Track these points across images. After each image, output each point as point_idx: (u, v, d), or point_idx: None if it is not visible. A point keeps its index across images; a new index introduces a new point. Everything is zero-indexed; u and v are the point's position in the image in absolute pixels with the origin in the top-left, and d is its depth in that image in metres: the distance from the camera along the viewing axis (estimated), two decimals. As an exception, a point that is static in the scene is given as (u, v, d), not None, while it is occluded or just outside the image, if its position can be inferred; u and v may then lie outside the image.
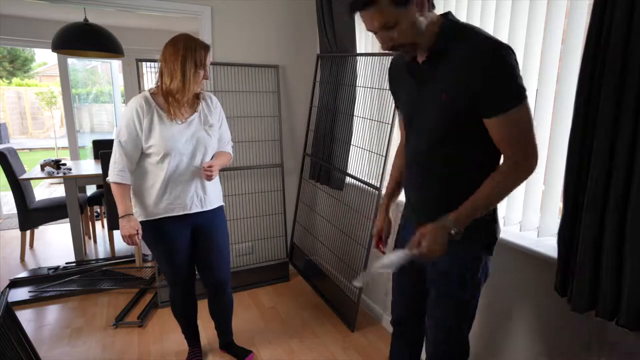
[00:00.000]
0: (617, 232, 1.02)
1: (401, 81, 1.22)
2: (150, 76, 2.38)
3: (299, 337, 2.23)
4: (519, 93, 0.97)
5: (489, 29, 1.58)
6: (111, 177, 1.65)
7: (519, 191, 1.51)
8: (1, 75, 12.06)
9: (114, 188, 1.68)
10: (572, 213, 1.12)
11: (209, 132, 1.71)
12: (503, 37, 1.51)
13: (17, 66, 12.37)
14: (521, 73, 0.98)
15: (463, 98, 1.00)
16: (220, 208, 1.84)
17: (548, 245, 1.36)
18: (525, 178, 1.05)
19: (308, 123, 2.88)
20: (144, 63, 2.37)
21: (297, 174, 2.99)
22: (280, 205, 2.92)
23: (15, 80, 12.34)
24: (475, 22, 1.63)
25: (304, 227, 2.99)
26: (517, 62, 0.97)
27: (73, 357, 2.04)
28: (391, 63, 1.30)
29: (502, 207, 1.59)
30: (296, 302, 2.60)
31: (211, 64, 2.55)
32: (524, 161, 1.01)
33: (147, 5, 2.44)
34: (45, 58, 13.01)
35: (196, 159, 1.68)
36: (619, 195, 1.00)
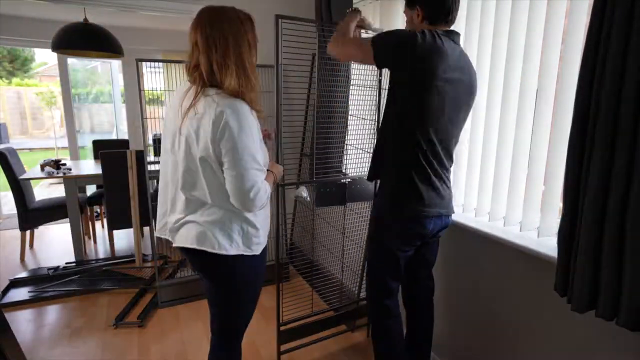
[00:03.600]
0: (617, 232, 1.02)
1: None
2: (150, 76, 2.38)
3: (299, 337, 2.22)
4: (378, 35, 1.36)
5: (489, 29, 1.59)
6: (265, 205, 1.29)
7: (519, 191, 1.51)
8: (1, 75, 12.06)
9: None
10: (572, 213, 1.12)
11: None
12: (503, 37, 1.51)
13: (17, 66, 12.37)
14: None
15: None
16: None
17: (548, 245, 1.36)
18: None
19: (305, 123, 2.88)
20: (144, 63, 2.37)
21: (296, 173, 2.99)
22: (280, 205, 2.92)
23: (15, 80, 12.33)
24: (476, 22, 1.64)
25: (303, 227, 3.00)
26: (406, 35, 1.29)
27: (73, 357, 2.04)
28: None
29: (502, 207, 1.59)
30: (296, 302, 2.59)
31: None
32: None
33: (147, 5, 2.44)
34: (45, 58, 13.00)
35: None
36: (618, 195, 1.00)
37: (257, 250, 1.31)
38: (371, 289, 1.59)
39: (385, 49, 1.33)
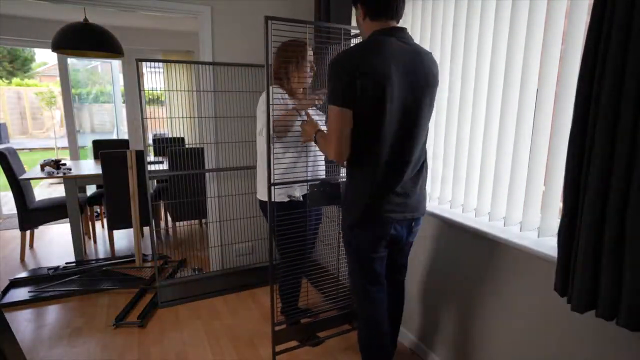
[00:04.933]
0: (616, 232, 1.02)
1: None
2: (150, 76, 2.38)
3: (299, 337, 2.22)
4: (328, 96, 1.36)
5: (489, 29, 1.58)
6: None
7: (519, 191, 1.51)
8: (1, 75, 12.06)
9: None
10: (572, 213, 1.12)
11: None
12: (503, 37, 1.51)
13: (17, 66, 12.38)
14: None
15: None
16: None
17: (548, 245, 1.36)
18: (326, 154, 1.45)
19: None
20: (144, 63, 2.37)
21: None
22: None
23: (15, 80, 12.34)
24: (475, 22, 1.64)
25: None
26: (334, 74, 1.32)
27: (73, 357, 2.04)
28: None
29: (502, 207, 1.59)
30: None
31: (211, 64, 2.56)
32: (325, 142, 1.45)
33: (147, 5, 2.44)
34: (45, 58, 13.01)
35: None
36: (618, 195, 1.00)
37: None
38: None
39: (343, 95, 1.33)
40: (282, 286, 2.13)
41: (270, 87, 1.68)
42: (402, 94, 1.34)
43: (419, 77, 1.37)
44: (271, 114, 1.68)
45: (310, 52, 1.92)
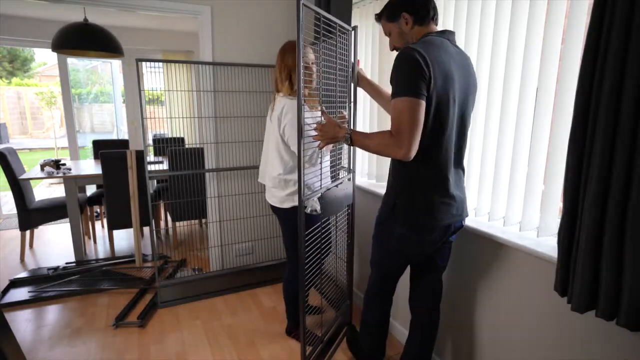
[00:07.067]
0: (617, 232, 1.02)
1: None
2: (150, 76, 2.38)
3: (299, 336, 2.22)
4: (398, 88, 1.24)
5: (489, 29, 1.58)
6: None
7: (519, 191, 1.51)
8: (1, 75, 12.06)
9: None
10: (572, 213, 1.12)
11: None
12: (503, 37, 1.51)
13: (17, 66, 12.38)
14: (426, 73, 1.21)
15: None
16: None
17: (548, 245, 1.36)
18: (391, 152, 1.29)
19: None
20: (143, 63, 2.37)
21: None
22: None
23: (15, 80, 12.34)
24: (475, 22, 1.64)
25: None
26: (408, 64, 1.22)
27: (73, 357, 2.04)
28: None
29: (502, 207, 1.59)
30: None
31: (211, 64, 2.56)
32: (392, 139, 1.27)
33: (147, 5, 2.44)
34: (45, 58, 13.02)
35: None
36: (618, 195, 1.00)
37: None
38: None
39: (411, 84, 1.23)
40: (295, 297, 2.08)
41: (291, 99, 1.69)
42: (460, 94, 1.34)
43: (469, 78, 1.38)
44: (302, 128, 1.50)
45: (311, 54, 1.85)
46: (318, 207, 1.76)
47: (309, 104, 1.82)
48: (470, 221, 1.65)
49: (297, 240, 1.85)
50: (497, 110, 1.58)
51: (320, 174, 1.77)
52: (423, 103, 1.23)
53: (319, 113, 1.77)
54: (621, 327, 1.05)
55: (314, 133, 1.60)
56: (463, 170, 1.47)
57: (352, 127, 1.88)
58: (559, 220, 1.18)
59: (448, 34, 1.37)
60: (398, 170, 1.42)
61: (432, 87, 1.23)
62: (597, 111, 1.01)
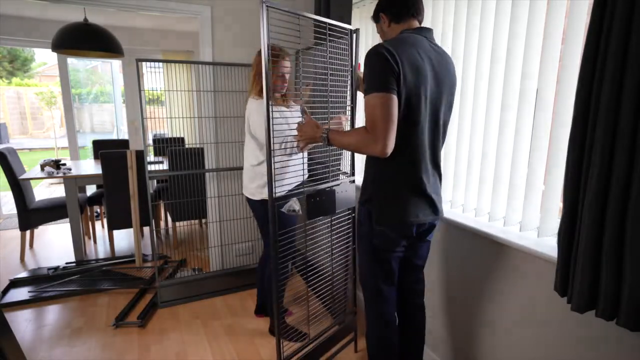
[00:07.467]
0: (617, 232, 1.02)
1: None
2: (150, 76, 2.38)
3: (299, 337, 2.22)
4: (369, 84, 1.26)
5: (489, 29, 1.58)
6: None
7: (519, 191, 1.51)
8: (1, 75, 12.06)
9: None
10: (572, 213, 1.12)
11: None
12: (503, 37, 1.51)
13: (17, 66, 12.37)
14: (403, 71, 1.23)
15: None
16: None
17: (548, 245, 1.36)
18: (368, 149, 1.29)
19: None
20: (144, 63, 2.37)
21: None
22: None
23: (15, 80, 12.34)
24: (475, 22, 1.64)
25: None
26: (376, 61, 1.24)
27: (73, 357, 2.04)
28: None
29: (502, 207, 1.59)
30: (296, 302, 2.60)
31: (211, 64, 2.56)
32: (367, 135, 1.28)
33: (147, 5, 2.44)
34: (45, 58, 13.01)
35: None
36: (618, 195, 1.00)
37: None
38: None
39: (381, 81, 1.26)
40: (271, 284, 2.12)
41: (260, 100, 1.75)
42: (432, 91, 1.34)
43: (445, 77, 1.38)
44: (271, 127, 1.52)
45: (287, 61, 1.94)
46: (297, 208, 1.78)
47: (275, 103, 1.95)
48: (470, 221, 1.65)
49: (267, 232, 1.94)
50: (497, 111, 1.58)
51: (303, 173, 1.83)
52: (395, 97, 1.24)
53: (285, 109, 1.92)
54: (621, 327, 1.05)
55: (283, 128, 1.70)
56: (440, 174, 1.48)
57: (347, 129, 1.88)
58: (559, 220, 1.18)
59: (425, 32, 1.39)
60: (370, 166, 1.45)
61: (401, 82, 1.25)
62: (597, 111, 1.01)
